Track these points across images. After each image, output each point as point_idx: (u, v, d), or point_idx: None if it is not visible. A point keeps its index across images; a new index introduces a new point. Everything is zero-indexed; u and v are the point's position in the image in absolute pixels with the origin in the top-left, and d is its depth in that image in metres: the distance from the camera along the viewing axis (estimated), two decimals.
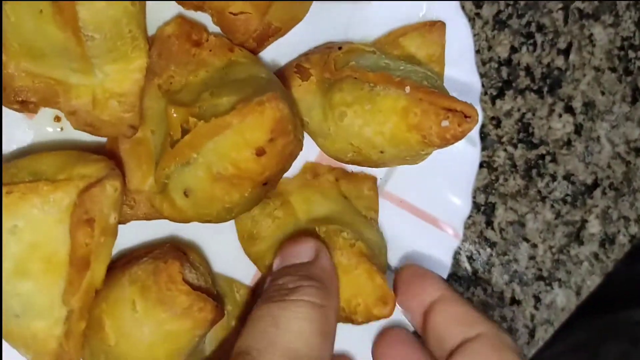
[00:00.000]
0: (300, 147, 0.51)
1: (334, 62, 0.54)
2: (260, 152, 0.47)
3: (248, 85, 0.47)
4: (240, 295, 0.59)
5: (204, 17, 0.54)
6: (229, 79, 0.50)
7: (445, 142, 0.51)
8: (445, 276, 0.63)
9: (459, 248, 0.68)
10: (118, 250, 0.57)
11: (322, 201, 0.58)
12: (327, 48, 0.56)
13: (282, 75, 0.56)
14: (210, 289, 0.54)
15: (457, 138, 0.51)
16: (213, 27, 0.55)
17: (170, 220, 0.54)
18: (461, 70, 0.62)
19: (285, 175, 0.55)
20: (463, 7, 0.62)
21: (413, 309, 0.55)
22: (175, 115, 0.49)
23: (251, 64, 0.52)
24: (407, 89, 0.51)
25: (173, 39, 0.53)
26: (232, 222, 0.58)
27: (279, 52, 0.58)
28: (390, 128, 0.51)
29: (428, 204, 0.63)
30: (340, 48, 0.55)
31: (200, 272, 0.54)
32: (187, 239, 0.59)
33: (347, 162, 0.57)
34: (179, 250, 0.55)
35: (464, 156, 0.63)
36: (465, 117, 0.51)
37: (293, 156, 0.50)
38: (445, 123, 0.50)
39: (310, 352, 0.45)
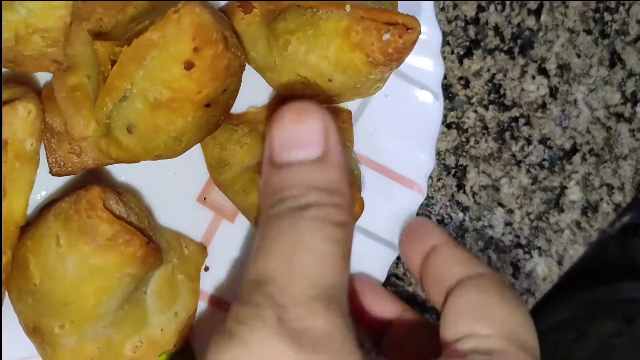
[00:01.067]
0: (239, 62, 0.50)
1: None
2: (188, 65, 0.45)
3: (170, 4, 0.47)
4: (190, 250, 0.57)
5: None
6: (157, 7, 0.50)
7: (389, 58, 0.50)
8: None
9: (429, 211, 0.66)
10: None
11: None
12: None
13: (224, 11, 0.55)
14: (145, 229, 0.51)
15: (399, 51, 0.50)
16: None
17: (121, 161, 0.53)
18: (420, 22, 0.61)
19: (255, 105, 0.55)
20: None
21: (413, 257, 0.52)
22: (101, 49, 0.48)
23: None
24: (347, 7, 0.50)
25: None
26: (188, 182, 0.58)
27: None
28: (334, 51, 0.50)
29: (389, 160, 0.62)
30: None
31: (133, 211, 0.51)
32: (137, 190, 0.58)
33: (298, 98, 0.56)
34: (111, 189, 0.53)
35: (426, 110, 0.62)
36: (407, 29, 0.49)
37: (230, 71, 0.48)
38: (386, 36, 0.49)
39: (337, 279, 0.40)
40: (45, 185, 0.56)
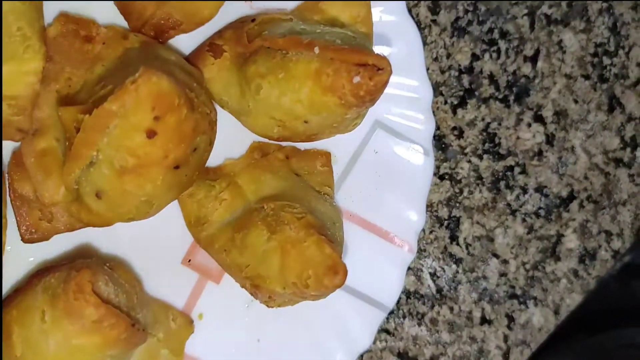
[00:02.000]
0: (209, 119, 0.49)
1: (247, 35, 0.52)
2: (150, 134, 0.45)
3: (132, 68, 0.46)
4: (176, 324, 0.57)
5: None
6: (123, 67, 0.49)
7: (361, 100, 0.49)
8: (398, 293, 0.61)
9: (421, 265, 0.65)
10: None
11: (271, 180, 0.56)
12: (241, 22, 0.55)
13: (194, 57, 0.55)
14: (132, 309, 0.51)
15: (371, 93, 0.49)
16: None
17: (92, 226, 0.53)
18: (410, 76, 0.60)
19: (232, 156, 0.55)
20: (410, 10, 0.61)
21: None
22: (65, 115, 0.48)
23: (149, 48, 0.51)
24: (316, 49, 0.49)
25: (60, 39, 0.52)
26: (173, 245, 0.57)
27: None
28: (306, 94, 0.50)
29: (379, 218, 0.61)
30: (253, 20, 0.53)
31: (123, 289, 0.51)
32: (126, 259, 0.58)
33: (277, 139, 0.55)
34: (103, 264, 0.53)
35: (416, 167, 0.61)
36: (378, 69, 0.49)
37: (199, 131, 0.48)
38: (356, 79, 0.49)
39: None
40: (34, 251, 0.56)
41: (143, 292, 0.56)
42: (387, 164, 0.61)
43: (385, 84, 0.49)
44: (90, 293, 0.47)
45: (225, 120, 0.56)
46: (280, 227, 0.52)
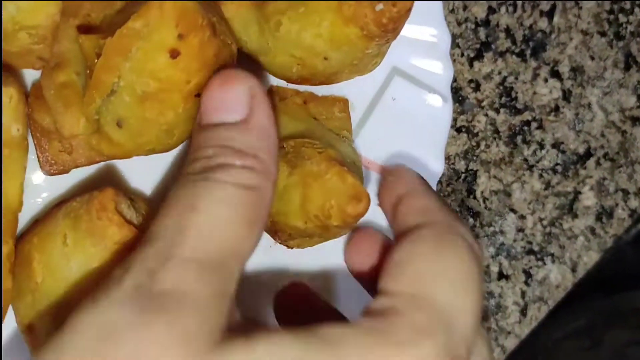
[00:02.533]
0: (229, 51, 0.49)
1: None
2: (174, 54, 0.44)
3: None
4: None
5: None
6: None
7: (384, 28, 0.48)
8: None
9: None
10: None
11: (289, 122, 0.55)
12: None
13: None
14: None
15: (394, 20, 0.48)
16: None
17: (113, 157, 0.52)
18: (428, 23, 0.60)
19: None
20: None
21: (385, 205, 0.50)
22: (87, 43, 0.47)
23: None
24: None
25: None
26: None
27: None
28: (327, 27, 0.49)
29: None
30: None
31: (145, 218, 0.51)
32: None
33: (295, 81, 0.54)
34: (125, 193, 0.52)
35: (435, 113, 0.60)
36: None
37: (220, 59, 0.47)
38: (379, 7, 0.47)
39: (229, 245, 0.37)
40: (50, 187, 0.55)
41: None
42: (405, 111, 0.60)
43: (408, 10, 0.49)
44: (114, 211, 0.46)
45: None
46: (301, 162, 0.52)
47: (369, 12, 0.48)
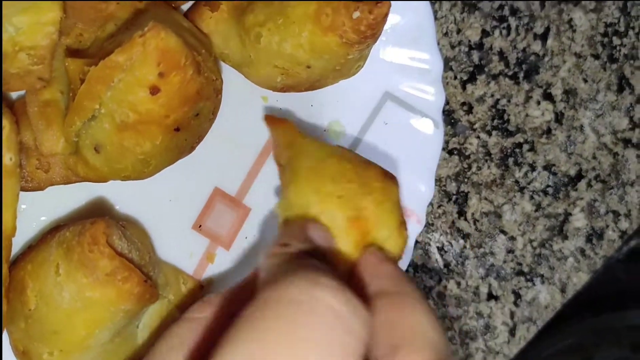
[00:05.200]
0: (214, 86, 0.49)
1: None
2: (154, 90, 0.45)
3: (143, 25, 0.46)
4: (186, 287, 0.57)
5: None
6: (134, 26, 0.50)
7: (363, 36, 0.49)
8: (406, 264, 0.61)
9: (429, 239, 0.65)
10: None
11: None
12: None
13: (192, 12, 0.54)
14: (144, 265, 0.51)
15: (372, 27, 0.49)
16: None
17: (87, 180, 0.53)
18: (421, 48, 0.60)
19: (238, 117, 0.54)
20: None
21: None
22: (72, 67, 0.48)
23: (158, 9, 0.51)
24: None
25: None
26: (184, 210, 0.57)
27: None
28: (307, 37, 0.49)
29: None
30: None
31: (136, 247, 0.51)
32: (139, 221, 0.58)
33: (281, 89, 0.55)
34: (117, 222, 0.53)
35: (426, 138, 0.61)
36: (377, 2, 0.48)
37: (203, 96, 0.48)
38: (356, 14, 0.48)
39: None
40: (47, 210, 0.56)
41: (155, 253, 0.56)
42: (397, 136, 0.61)
43: (385, 16, 0.49)
44: (105, 244, 0.47)
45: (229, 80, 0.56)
46: None
47: (347, 20, 0.49)
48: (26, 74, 0.50)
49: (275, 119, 0.55)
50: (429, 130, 0.61)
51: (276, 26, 0.50)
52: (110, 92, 0.46)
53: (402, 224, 0.50)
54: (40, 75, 0.50)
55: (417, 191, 0.61)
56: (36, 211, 0.56)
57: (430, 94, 0.61)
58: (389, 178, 0.50)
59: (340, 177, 0.50)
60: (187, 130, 0.49)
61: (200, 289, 0.58)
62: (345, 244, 0.49)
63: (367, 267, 0.46)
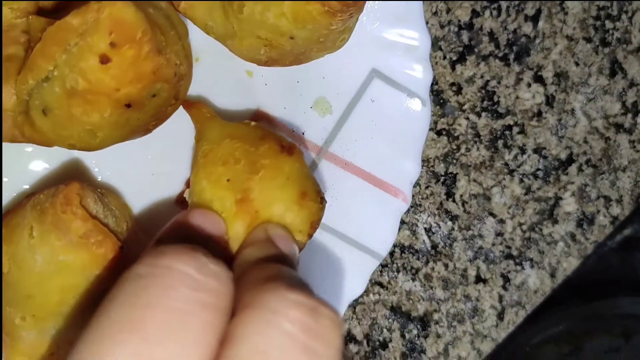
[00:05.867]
0: (176, 71, 0.49)
1: None
2: (104, 59, 0.44)
3: None
4: None
5: None
6: None
7: (345, 3, 0.48)
8: (392, 242, 0.60)
9: (416, 220, 0.65)
10: None
11: None
12: None
13: None
14: (121, 233, 0.50)
15: None
16: None
17: (32, 142, 0.51)
18: (408, 26, 0.60)
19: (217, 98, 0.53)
20: None
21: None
22: (35, 23, 0.47)
23: None
24: None
25: None
26: (167, 184, 0.57)
27: None
28: (289, 5, 0.49)
29: (374, 166, 0.61)
30: None
31: (113, 214, 0.50)
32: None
33: (265, 63, 0.54)
34: (95, 189, 0.53)
35: (413, 116, 0.61)
36: None
37: (159, 77, 0.47)
38: None
39: None
40: (28, 179, 0.56)
41: (135, 224, 0.55)
42: (384, 113, 0.60)
43: None
44: (78, 205, 0.47)
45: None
46: None
47: None
48: (10, 28, 0.49)
49: (189, 102, 0.55)
50: (416, 108, 0.60)
51: None
52: (66, 56, 0.45)
53: (304, 195, 0.50)
54: (25, 28, 0.49)
55: (404, 169, 0.61)
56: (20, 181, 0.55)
57: (418, 71, 0.60)
58: (285, 151, 0.50)
59: (229, 159, 0.50)
60: (140, 109, 0.48)
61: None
62: (237, 228, 0.49)
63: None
